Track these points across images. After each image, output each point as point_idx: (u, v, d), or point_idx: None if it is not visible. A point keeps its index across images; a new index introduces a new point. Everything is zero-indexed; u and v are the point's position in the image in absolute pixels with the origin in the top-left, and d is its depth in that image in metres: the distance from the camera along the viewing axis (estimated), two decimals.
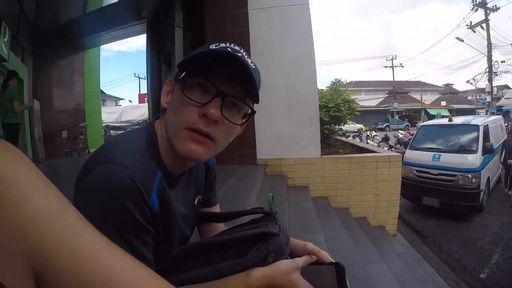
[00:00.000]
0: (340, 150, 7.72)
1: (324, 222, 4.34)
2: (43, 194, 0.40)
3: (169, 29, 7.54)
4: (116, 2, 13.15)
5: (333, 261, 0.90)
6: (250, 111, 0.91)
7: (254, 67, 0.86)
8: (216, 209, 1.25)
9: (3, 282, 0.34)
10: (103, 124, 19.25)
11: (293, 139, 5.92)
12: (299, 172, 5.90)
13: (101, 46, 15.83)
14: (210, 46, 0.84)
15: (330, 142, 8.30)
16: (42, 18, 12.62)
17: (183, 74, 0.85)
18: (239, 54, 0.82)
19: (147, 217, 0.78)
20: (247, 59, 0.84)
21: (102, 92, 22.79)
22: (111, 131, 20.44)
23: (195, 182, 1.07)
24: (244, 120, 0.90)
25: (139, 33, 12.62)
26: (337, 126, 8.50)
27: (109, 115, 24.93)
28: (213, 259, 0.86)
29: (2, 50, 8.23)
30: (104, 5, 13.99)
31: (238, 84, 0.82)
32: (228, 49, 0.83)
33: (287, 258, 0.87)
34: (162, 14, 8.61)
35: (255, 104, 0.93)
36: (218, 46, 0.84)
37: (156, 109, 10.27)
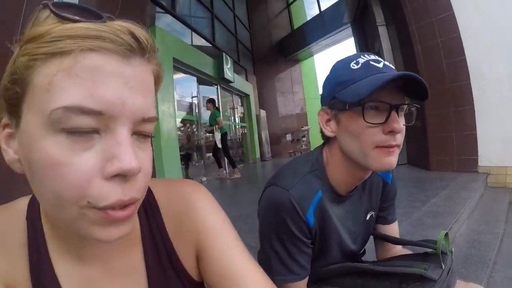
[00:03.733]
0: None
1: None
2: (213, 215, 0.63)
3: (373, 29, 7.27)
4: (317, 15, 14.05)
5: None
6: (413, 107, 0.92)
7: (394, 68, 0.89)
8: (393, 227, 1.23)
9: (181, 256, 0.61)
10: None
11: None
12: None
13: (314, 56, 16.93)
14: (351, 66, 0.88)
15: None
16: (257, 43, 14.94)
17: (352, 105, 0.87)
18: (380, 64, 0.87)
19: (303, 230, 0.92)
20: (387, 63, 0.89)
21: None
22: None
23: (368, 198, 1.11)
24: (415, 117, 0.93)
25: (347, 37, 12.92)
26: None
27: None
28: (369, 284, 0.94)
29: (227, 74, 10.16)
30: (307, 19, 15.06)
31: (397, 91, 0.86)
32: (371, 62, 0.87)
33: None
34: (363, 16, 8.38)
35: None
36: (360, 65, 0.87)
37: None
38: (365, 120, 0.85)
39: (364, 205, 1.09)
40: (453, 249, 0.97)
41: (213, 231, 0.61)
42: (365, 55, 0.90)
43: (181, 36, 8.00)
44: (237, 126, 12.68)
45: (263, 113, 14.03)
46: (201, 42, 9.41)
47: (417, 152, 6.11)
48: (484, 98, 4.94)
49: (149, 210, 0.61)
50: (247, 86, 13.01)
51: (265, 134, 13.91)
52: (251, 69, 14.31)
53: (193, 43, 8.82)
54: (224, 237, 0.61)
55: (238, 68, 12.18)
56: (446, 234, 0.95)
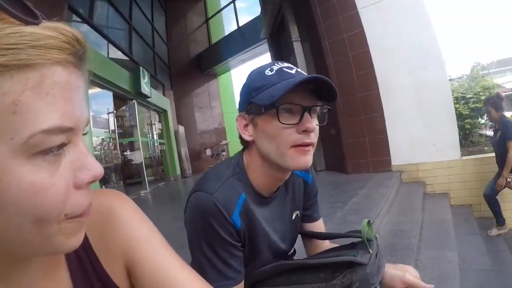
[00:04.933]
0: (485, 148, 6.54)
1: (461, 237, 3.72)
2: (139, 224, 0.61)
3: (288, 44, 7.64)
4: (235, 30, 14.46)
5: None
6: (325, 109, 0.98)
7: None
8: (319, 224, 1.27)
9: (109, 271, 0.57)
10: None
11: (428, 141, 5.25)
12: (438, 178, 5.19)
13: (231, 70, 17.26)
14: (266, 73, 0.94)
15: (473, 139, 7.19)
16: (175, 57, 14.87)
17: (267, 108, 0.91)
18: (293, 70, 0.93)
19: (230, 233, 0.92)
20: (299, 69, 0.95)
21: None
22: None
23: (292, 198, 1.14)
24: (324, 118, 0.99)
25: (264, 52, 13.32)
26: (480, 120, 7.33)
27: None
28: (304, 278, 0.96)
29: (144, 89, 9.89)
30: (225, 34, 15.45)
31: (309, 94, 0.92)
32: (285, 69, 0.93)
33: None
34: (279, 32, 8.77)
35: None
36: (274, 72, 0.93)
37: None
38: (280, 121, 0.90)
39: (288, 205, 1.13)
40: (377, 235, 1.02)
41: (142, 241, 0.59)
42: (279, 63, 0.96)
43: (97, 47, 7.71)
44: (156, 143, 12.36)
45: (181, 129, 13.91)
46: (118, 54, 9.12)
47: (334, 158, 6.50)
48: (392, 105, 5.49)
49: None
50: (164, 102, 12.84)
51: (184, 150, 13.79)
52: (168, 84, 14.18)
53: (109, 56, 8.52)
54: (154, 245, 0.60)
55: (155, 82, 11.99)
56: (369, 222, 0.99)
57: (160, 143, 12.70)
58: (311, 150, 0.92)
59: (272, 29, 9.19)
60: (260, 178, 1.00)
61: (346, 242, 1.08)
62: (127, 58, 9.78)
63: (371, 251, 0.93)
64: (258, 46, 12.70)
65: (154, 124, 12.07)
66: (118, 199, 0.61)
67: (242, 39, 13.43)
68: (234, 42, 13.99)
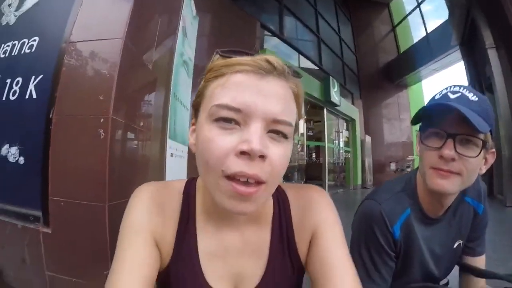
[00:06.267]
0: None
1: None
2: (329, 213, 0.74)
3: (482, 52, 6.90)
4: (423, 37, 13.45)
5: None
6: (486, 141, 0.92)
7: (475, 99, 0.91)
8: (480, 260, 1.21)
9: (298, 244, 0.72)
10: None
11: None
12: None
13: (422, 81, 16.08)
14: (435, 96, 0.99)
15: None
16: (363, 67, 15.01)
17: (419, 128, 1.03)
18: (455, 96, 0.93)
19: (388, 241, 1.02)
20: (467, 93, 0.92)
21: None
22: None
23: (458, 226, 1.13)
24: (480, 151, 0.90)
25: (455, 61, 12.02)
26: None
27: None
28: None
29: (334, 98, 10.47)
30: (414, 41, 14.60)
31: (464, 122, 0.86)
32: (448, 93, 0.95)
33: None
34: (471, 38, 7.95)
35: None
36: (440, 95, 0.97)
37: None
38: (421, 142, 0.99)
39: (452, 232, 1.12)
40: None
41: (326, 226, 0.71)
42: (454, 86, 0.96)
43: (288, 58, 8.70)
44: (341, 150, 12.74)
45: (368, 138, 13.88)
46: (308, 64, 9.98)
47: None
48: None
49: (281, 203, 0.74)
50: (353, 111, 13.09)
51: (368, 161, 13.70)
52: (357, 93, 14.35)
53: (300, 65, 9.41)
54: (333, 233, 0.70)
55: (344, 92, 12.38)
56: None
57: (346, 151, 13.03)
58: (452, 177, 0.92)
59: (463, 35, 8.46)
60: (427, 196, 1.05)
61: (501, 285, 1.06)
62: (317, 68, 10.52)
63: None
64: (449, 54, 11.35)
65: (341, 131, 12.48)
66: (319, 192, 0.77)
67: (432, 46, 12.31)
68: (423, 50, 12.96)
